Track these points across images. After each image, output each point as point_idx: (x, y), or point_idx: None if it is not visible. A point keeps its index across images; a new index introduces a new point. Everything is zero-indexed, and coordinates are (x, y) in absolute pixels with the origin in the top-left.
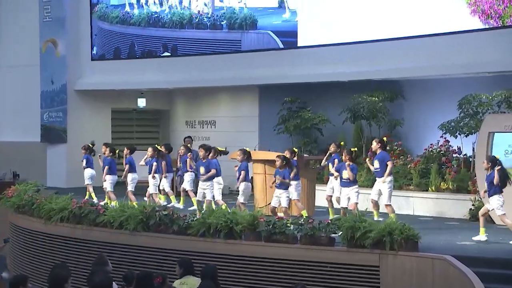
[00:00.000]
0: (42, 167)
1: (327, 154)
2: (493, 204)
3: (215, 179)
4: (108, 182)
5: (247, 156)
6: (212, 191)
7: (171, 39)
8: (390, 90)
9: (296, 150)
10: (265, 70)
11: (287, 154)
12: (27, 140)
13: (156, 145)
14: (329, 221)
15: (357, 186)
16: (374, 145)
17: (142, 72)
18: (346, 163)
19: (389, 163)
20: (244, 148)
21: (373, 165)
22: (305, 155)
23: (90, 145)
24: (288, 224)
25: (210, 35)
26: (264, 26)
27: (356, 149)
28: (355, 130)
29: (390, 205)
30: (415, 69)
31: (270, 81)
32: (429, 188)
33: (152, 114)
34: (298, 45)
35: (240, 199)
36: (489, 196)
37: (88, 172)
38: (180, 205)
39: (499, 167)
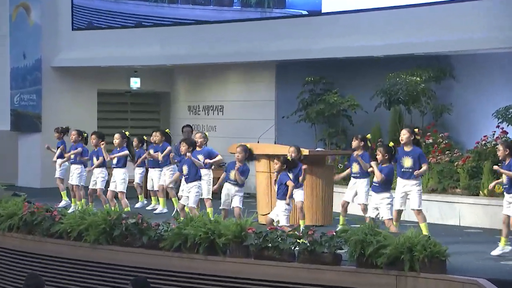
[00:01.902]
0: (13, 161)
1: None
2: None
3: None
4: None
5: (248, 154)
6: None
7: (153, 18)
8: (436, 67)
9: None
10: (283, 43)
11: (292, 152)
12: None
13: (123, 131)
14: (334, 233)
15: (389, 194)
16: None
17: (135, 45)
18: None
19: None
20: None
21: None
22: (319, 149)
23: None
24: (284, 237)
25: (214, 14)
26: (295, 3)
27: (393, 144)
28: (392, 118)
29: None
30: (468, 41)
31: (289, 56)
32: (481, 192)
33: (149, 97)
34: (323, 11)
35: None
36: (508, 193)
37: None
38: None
39: None
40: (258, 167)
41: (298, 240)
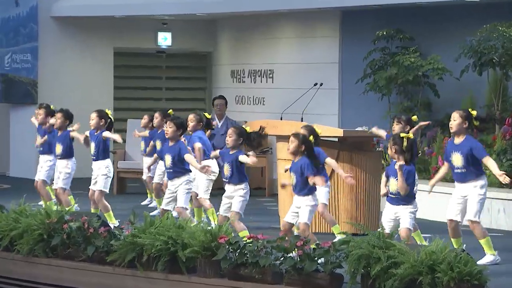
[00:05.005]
0: (4, 143)
1: None
2: None
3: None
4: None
5: (243, 138)
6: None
7: None
8: None
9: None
10: None
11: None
12: None
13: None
14: (330, 246)
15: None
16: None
17: None
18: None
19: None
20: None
21: None
22: (359, 128)
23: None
24: (269, 249)
25: None
26: None
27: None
28: (490, 86)
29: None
30: None
31: (357, 1)
32: None
33: (189, 59)
34: None
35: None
36: None
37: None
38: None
39: None
40: (280, 153)
41: (286, 255)
